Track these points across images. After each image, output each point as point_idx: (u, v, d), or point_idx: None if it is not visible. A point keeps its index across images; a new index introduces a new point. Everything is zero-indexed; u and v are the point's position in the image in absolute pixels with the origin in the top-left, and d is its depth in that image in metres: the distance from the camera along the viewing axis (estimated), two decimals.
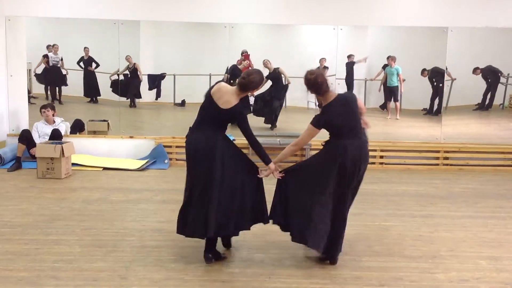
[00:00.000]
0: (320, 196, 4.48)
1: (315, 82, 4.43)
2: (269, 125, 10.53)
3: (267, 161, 4.67)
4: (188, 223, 4.51)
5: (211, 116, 4.48)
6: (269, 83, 10.42)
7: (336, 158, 4.46)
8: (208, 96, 4.49)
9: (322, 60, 10.55)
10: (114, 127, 9.67)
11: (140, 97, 10.66)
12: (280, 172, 4.73)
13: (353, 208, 6.50)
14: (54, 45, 10.39)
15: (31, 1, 9.08)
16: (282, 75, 10.44)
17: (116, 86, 10.09)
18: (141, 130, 9.96)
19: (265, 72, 10.39)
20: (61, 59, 10.48)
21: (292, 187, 4.65)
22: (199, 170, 4.45)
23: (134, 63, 10.37)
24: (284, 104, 10.76)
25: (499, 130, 10.78)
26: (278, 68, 10.37)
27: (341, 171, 4.44)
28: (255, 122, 10.43)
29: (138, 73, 10.38)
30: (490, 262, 4.73)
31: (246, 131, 4.52)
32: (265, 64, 10.33)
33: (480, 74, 10.57)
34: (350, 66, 11.22)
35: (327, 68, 10.28)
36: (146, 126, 10.53)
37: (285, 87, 10.57)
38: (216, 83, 4.63)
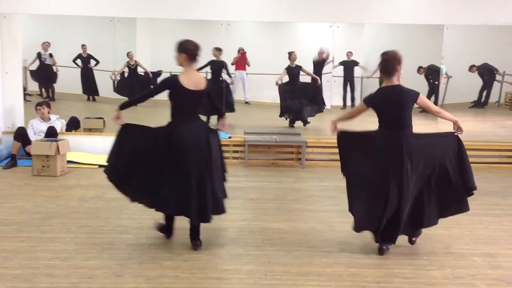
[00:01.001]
0: (357, 178, 4.84)
1: (383, 58, 4.68)
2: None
3: (223, 113, 5.22)
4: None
5: (192, 104, 4.78)
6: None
7: (375, 146, 4.72)
8: (183, 90, 4.66)
9: (320, 53, 10.55)
10: (110, 125, 9.63)
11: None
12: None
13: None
14: (45, 42, 10.38)
15: None
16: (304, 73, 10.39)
17: (119, 87, 10.05)
18: None
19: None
20: (50, 56, 10.44)
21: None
22: (186, 160, 4.67)
23: (135, 61, 10.37)
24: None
25: (494, 127, 10.82)
26: (300, 66, 10.31)
27: (377, 159, 4.67)
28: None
29: (143, 70, 10.40)
30: (485, 259, 4.75)
31: (216, 100, 5.10)
32: (293, 56, 10.30)
33: (476, 71, 10.61)
34: (350, 64, 11.22)
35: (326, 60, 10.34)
36: (142, 123, 10.47)
37: (314, 87, 10.37)
38: (171, 79, 4.81)
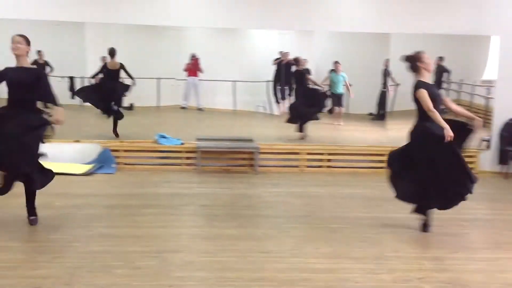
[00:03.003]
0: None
1: (412, 55, 5.60)
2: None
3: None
4: None
5: (19, 92, 5.28)
6: None
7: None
8: (10, 80, 5.28)
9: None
10: (59, 131, 9.39)
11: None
12: None
13: (301, 210, 6.61)
14: None
15: None
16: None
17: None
18: (87, 134, 9.70)
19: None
20: None
21: None
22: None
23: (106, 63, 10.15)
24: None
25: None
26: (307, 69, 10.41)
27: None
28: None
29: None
30: (433, 262, 4.88)
31: (43, 94, 5.54)
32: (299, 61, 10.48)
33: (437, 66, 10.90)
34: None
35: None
36: (93, 130, 10.28)
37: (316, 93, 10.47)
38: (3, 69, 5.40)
